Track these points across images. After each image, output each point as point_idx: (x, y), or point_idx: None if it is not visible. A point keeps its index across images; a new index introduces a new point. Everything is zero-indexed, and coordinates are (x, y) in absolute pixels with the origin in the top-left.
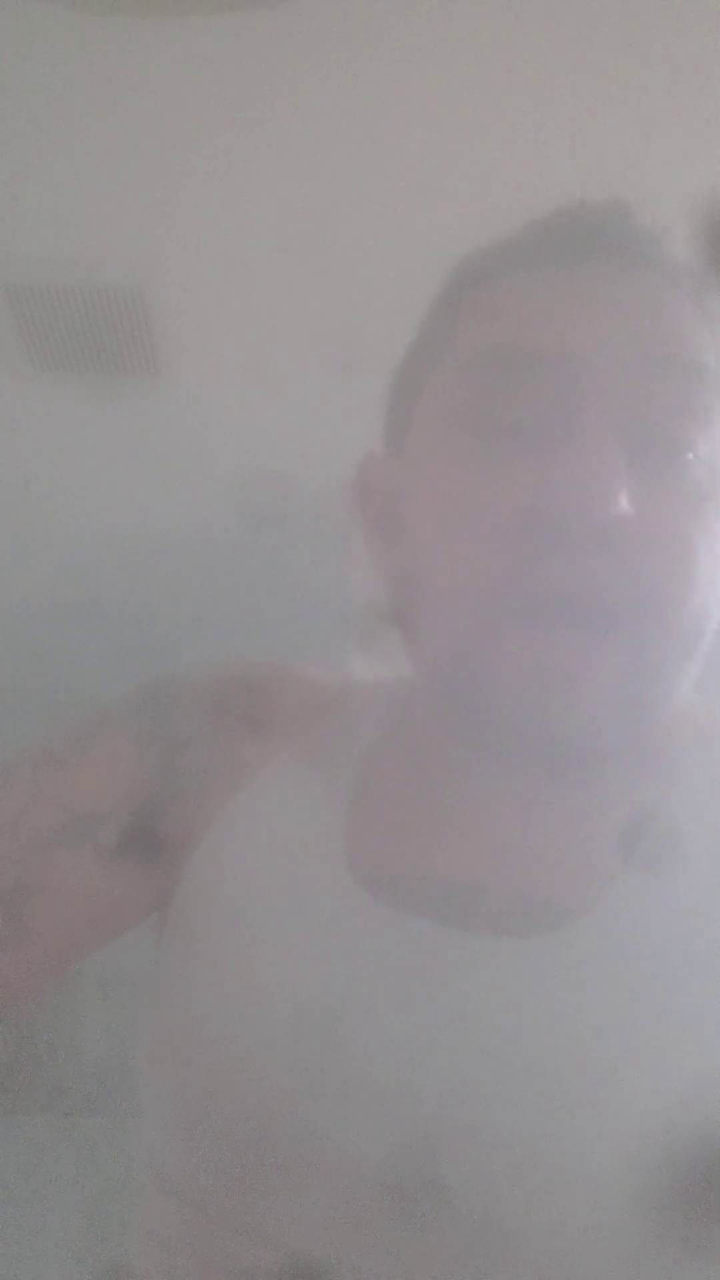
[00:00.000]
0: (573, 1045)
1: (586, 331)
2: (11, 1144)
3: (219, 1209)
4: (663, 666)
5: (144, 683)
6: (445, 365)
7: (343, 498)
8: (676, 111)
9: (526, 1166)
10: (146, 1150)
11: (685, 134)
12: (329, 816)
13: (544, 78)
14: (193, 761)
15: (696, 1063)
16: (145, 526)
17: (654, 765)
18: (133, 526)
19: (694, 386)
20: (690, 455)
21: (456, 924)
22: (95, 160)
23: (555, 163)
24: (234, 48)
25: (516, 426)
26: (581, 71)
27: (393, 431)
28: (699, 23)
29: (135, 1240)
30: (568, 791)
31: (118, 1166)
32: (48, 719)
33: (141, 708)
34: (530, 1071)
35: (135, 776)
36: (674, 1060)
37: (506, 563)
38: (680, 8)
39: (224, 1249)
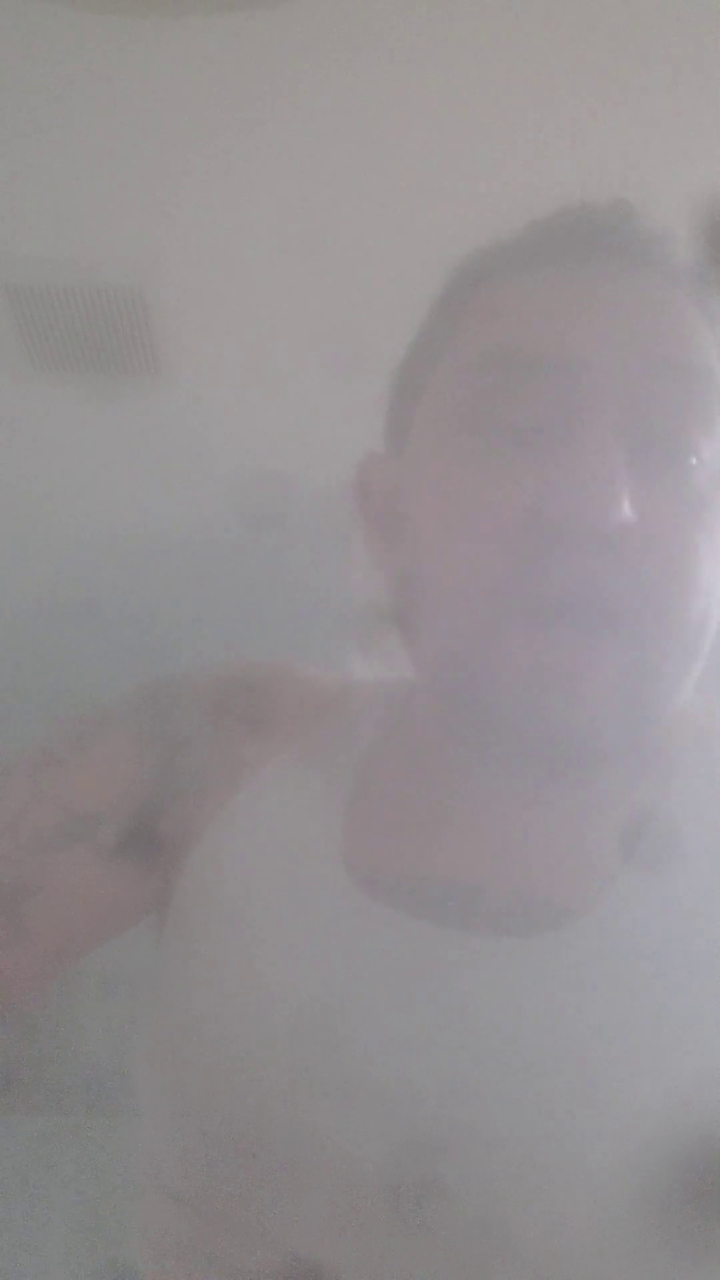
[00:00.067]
0: (572, 1045)
1: (589, 334)
2: (11, 1144)
3: (218, 1211)
4: (663, 668)
5: (144, 683)
6: (447, 366)
7: (343, 498)
8: (676, 111)
9: (526, 1166)
10: (145, 1153)
11: (685, 134)
12: (328, 817)
13: (544, 78)
14: (192, 761)
15: (696, 1063)
16: (145, 526)
17: (654, 765)
18: (133, 526)
19: (696, 390)
20: (693, 459)
21: (455, 924)
22: (95, 160)
23: (555, 163)
24: (234, 48)
25: (518, 428)
26: (581, 71)
27: (393, 432)
28: (699, 23)
29: (135, 1243)
30: (567, 792)
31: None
32: (48, 719)
33: (141, 707)
34: (530, 1072)
35: (135, 776)
36: (674, 1060)
37: (507, 564)
38: (680, 8)
39: (223, 1250)
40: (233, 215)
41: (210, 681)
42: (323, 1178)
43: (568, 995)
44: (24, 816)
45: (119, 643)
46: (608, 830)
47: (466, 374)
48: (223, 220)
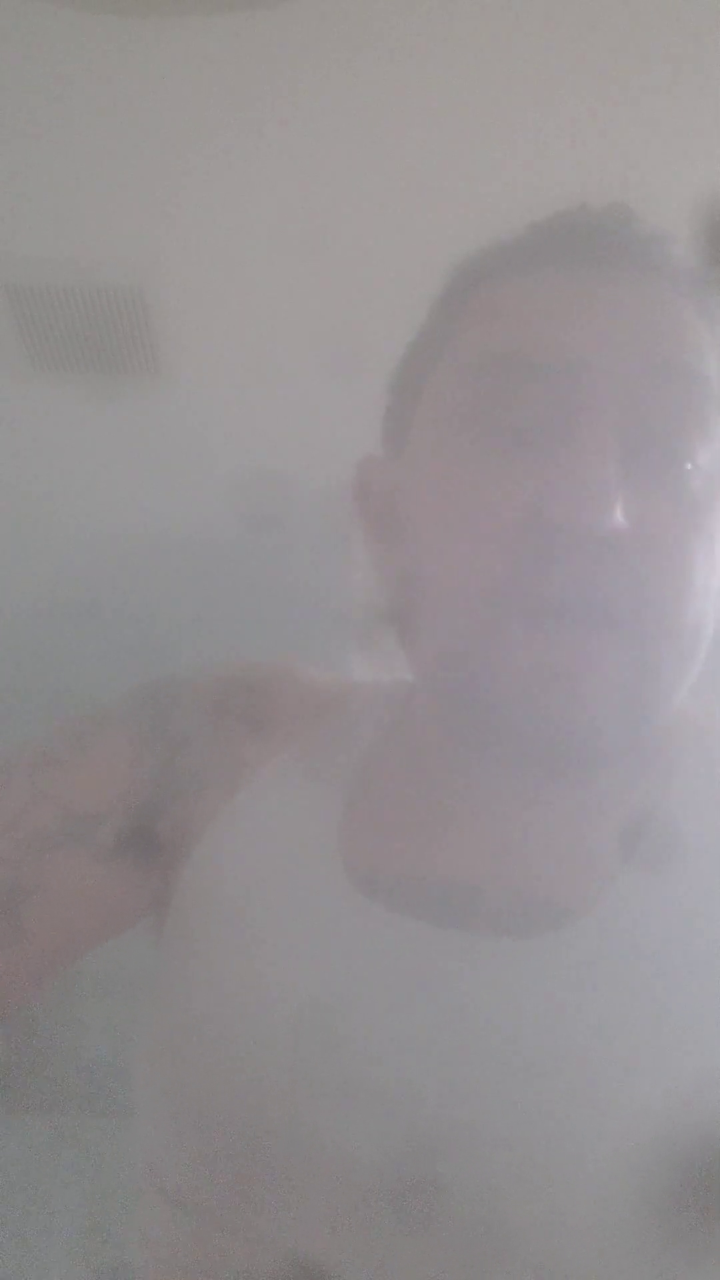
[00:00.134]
0: (572, 1045)
1: (587, 337)
2: (11, 1144)
3: (217, 1213)
4: (661, 668)
5: (143, 683)
6: (446, 367)
7: (342, 498)
8: (676, 111)
9: (526, 1167)
10: (143, 1156)
11: (685, 134)
12: (327, 817)
13: (544, 78)
14: (191, 761)
15: (696, 1063)
16: (145, 526)
17: (653, 766)
18: (133, 526)
19: (693, 395)
20: (689, 464)
21: (455, 925)
22: (95, 160)
23: (555, 163)
24: (234, 48)
25: (516, 430)
26: (581, 71)
27: (392, 433)
28: (699, 23)
29: (134, 1245)
30: (567, 792)
31: (118, 1167)
32: (48, 719)
33: (140, 708)
34: (529, 1072)
35: (134, 776)
36: (674, 1060)
37: (505, 564)
38: (680, 8)
39: (223, 1252)
40: (233, 215)
41: (209, 682)
42: (322, 1178)
43: (567, 995)
44: (23, 816)
45: (119, 643)
46: (607, 830)
47: (465, 376)
48: (223, 220)
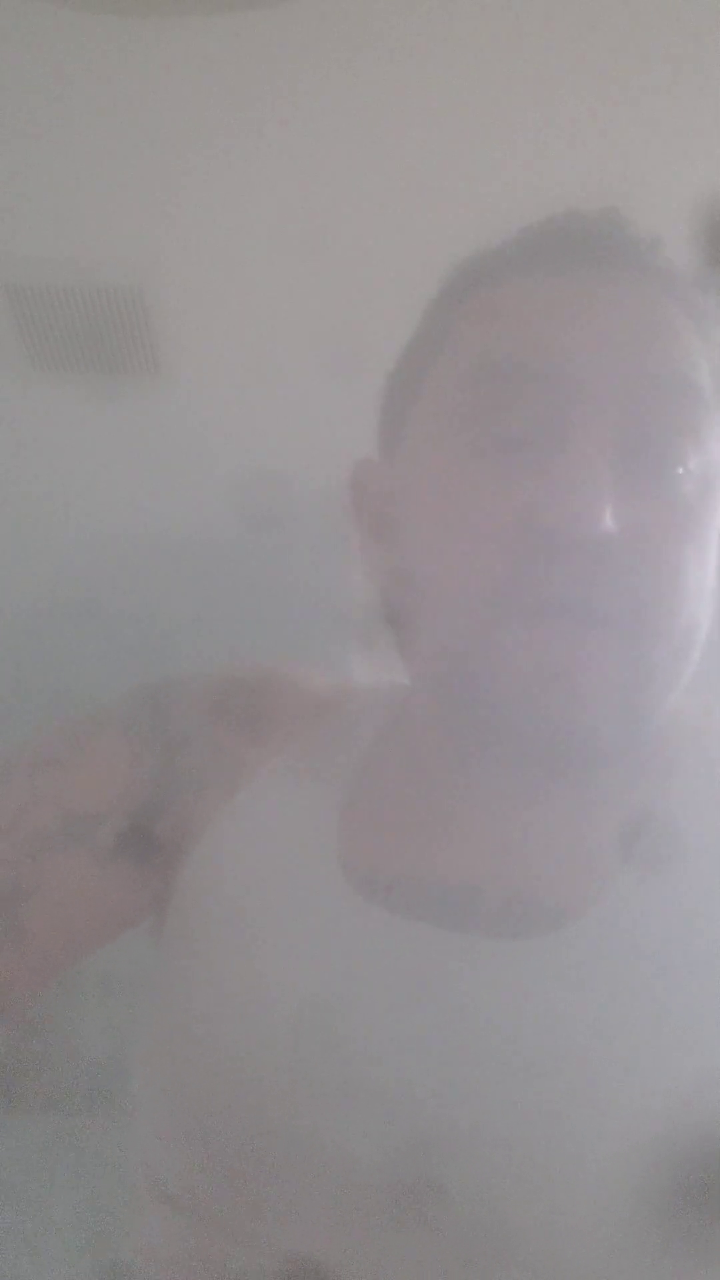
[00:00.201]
0: (571, 1046)
1: (580, 343)
2: (11, 1144)
3: (216, 1215)
4: (655, 669)
5: (141, 684)
6: (439, 374)
7: (339, 500)
8: (676, 111)
9: (525, 1167)
10: (142, 1159)
11: (685, 134)
12: (324, 819)
13: (544, 78)
14: (190, 763)
15: (695, 1062)
16: (145, 526)
17: (651, 766)
18: (133, 526)
19: (685, 401)
20: (680, 469)
21: (453, 926)
22: (95, 160)
23: (555, 163)
24: (234, 48)
25: (510, 436)
26: (581, 71)
27: (387, 437)
28: (699, 23)
29: (132, 1248)
30: (564, 792)
31: (118, 1167)
32: (48, 719)
33: (138, 709)
34: (529, 1073)
35: (132, 777)
36: (673, 1060)
37: (500, 567)
38: (680, 8)
39: (222, 1254)
40: (233, 215)
41: (208, 683)
42: (321, 1178)
43: (566, 996)
44: (22, 817)
45: (119, 643)
46: (605, 831)
47: (459, 381)
48: (223, 220)
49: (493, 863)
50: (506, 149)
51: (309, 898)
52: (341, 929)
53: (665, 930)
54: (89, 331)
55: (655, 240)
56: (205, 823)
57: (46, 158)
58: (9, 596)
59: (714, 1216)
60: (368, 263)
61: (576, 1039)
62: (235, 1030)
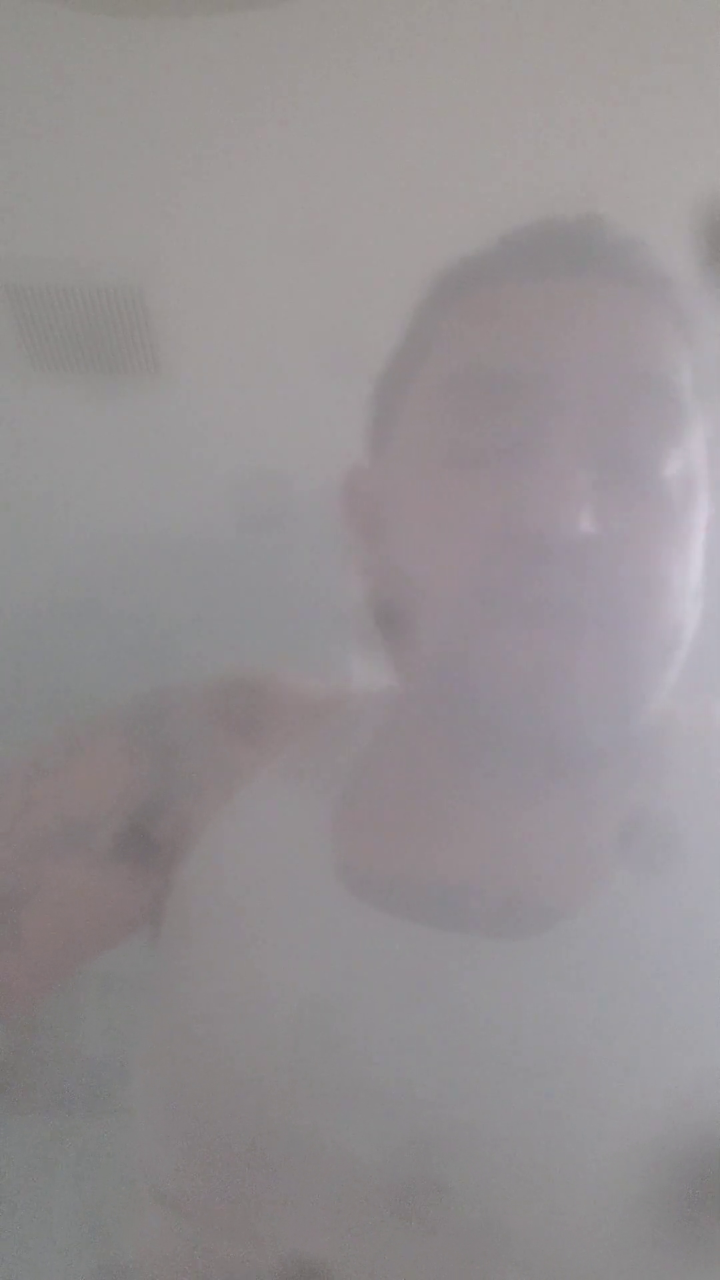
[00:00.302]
0: (569, 1045)
1: (559, 350)
2: (11, 1144)
3: (216, 1215)
4: (640, 669)
5: (137, 690)
6: (422, 381)
7: (331, 503)
8: (676, 111)
9: (525, 1167)
10: (141, 1159)
11: (685, 134)
12: (320, 822)
13: (544, 78)
14: (186, 767)
15: (694, 1062)
16: (145, 526)
17: (646, 767)
18: (133, 526)
19: (665, 406)
20: (661, 471)
21: (449, 926)
22: (95, 160)
23: (555, 163)
24: (234, 48)
25: (488, 444)
26: (581, 71)
27: (375, 442)
28: (699, 23)
29: (132, 1249)
30: (559, 793)
31: (118, 1167)
32: (48, 719)
33: (136, 714)
34: (528, 1072)
35: (130, 782)
36: (672, 1060)
37: (482, 573)
38: (680, 8)
39: (222, 1254)
40: (233, 215)
41: (204, 688)
42: (320, 1178)
43: (563, 995)
44: (20, 823)
45: (119, 643)
46: (601, 831)
47: (438, 390)
48: (223, 220)
49: (488, 863)
50: (506, 149)
51: (305, 899)
52: (338, 930)
53: (662, 929)
54: (89, 331)
55: (636, 243)
56: (201, 827)
57: (46, 158)
58: (9, 596)
59: (714, 1216)
60: (368, 263)
61: (575, 1038)
62: (234, 1031)
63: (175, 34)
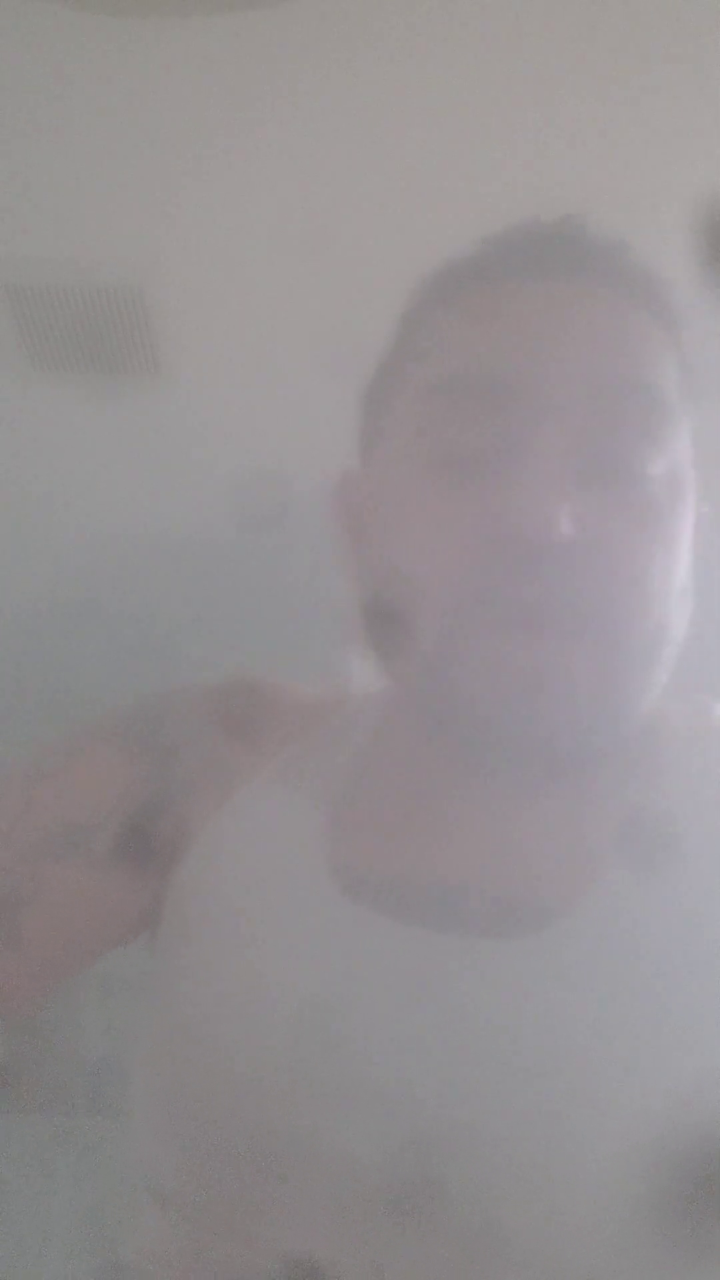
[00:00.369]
0: (567, 1045)
1: (538, 355)
2: (11, 1144)
3: (215, 1216)
4: (627, 671)
5: (136, 696)
6: (406, 388)
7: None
8: (676, 111)
9: (524, 1167)
10: (140, 1161)
11: (685, 134)
12: (312, 824)
13: (544, 78)
14: (181, 772)
15: (694, 1062)
16: (145, 527)
17: (641, 766)
18: (133, 526)
19: (647, 408)
20: (643, 473)
21: (442, 928)
22: (95, 160)
23: (555, 163)
24: (234, 48)
25: (469, 450)
26: (581, 71)
27: (364, 448)
28: (699, 23)
29: (132, 1248)
30: (553, 794)
31: (118, 1167)
32: (48, 719)
33: (133, 719)
34: (527, 1072)
35: (128, 786)
36: (671, 1060)
37: (465, 578)
38: (680, 8)
39: (221, 1254)
40: (233, 215)
41: (201, 691)
42: (319, 1179)
43: (560, 995)
44: (19, 827)
45: (119, 643)
46: (597, 831)
47: (419, 396)
48: (223, 220)
49: (481, 864)
50: (506, 149)
51: (299, 901)
52: (335, 930)
53: (660, 928)
54: (89, 331)
55: (618, 244)
56: (197, 831)
57: (46, 158)
58: (9, 596)
59: (714, 1216)
60: (367, 263)
61: (574, 1038)
62: (232, 1032)
63: (175, 34)
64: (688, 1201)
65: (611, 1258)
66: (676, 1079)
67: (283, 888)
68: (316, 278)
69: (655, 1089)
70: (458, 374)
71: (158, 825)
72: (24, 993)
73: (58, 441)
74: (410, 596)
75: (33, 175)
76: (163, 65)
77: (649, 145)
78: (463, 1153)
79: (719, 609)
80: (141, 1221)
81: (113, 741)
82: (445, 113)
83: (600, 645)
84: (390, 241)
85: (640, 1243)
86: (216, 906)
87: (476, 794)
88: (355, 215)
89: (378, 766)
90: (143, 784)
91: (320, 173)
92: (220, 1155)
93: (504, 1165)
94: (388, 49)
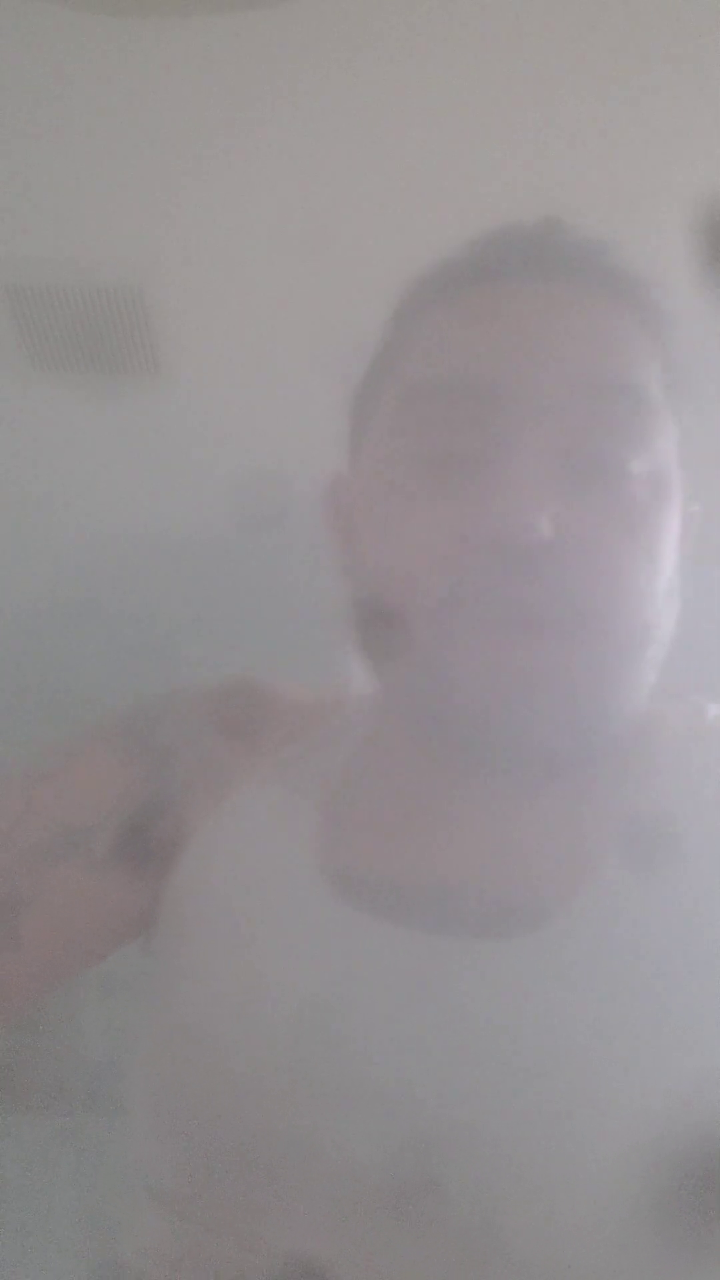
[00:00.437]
0: (565, 1045)
1: (519, 358)
2: (11, 1144)
3: (215, 1216)
4: (611, 671)
5: (132, 699)
6: (390, 392)
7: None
8: (676, 111)
9: (523, 1166)
10: (139, 1161)
11: (685, 134)
12: (305, 826)
13: (544, 77)
14: (177, 774)
15: (692, 1062)
16: (145, 526)
17: (636, 767)
18: (133, 526)
19: (630, 409)
20: (624, 473)
21: (435, 929)
22: (95, 160)
23: (555, 163)
24: (234, 48)
25: (450, 453)
26: (581, 71)
27: (353, 451)
28: (699, 23)
29: (131, 1248)
30: (547, 794)
31: (118, 1167)
32: (48, 719)
33: (129, 722)
34: (526, 1073)
35: (126, 787)
36: (669, 1059)
37: (447, 580)
38: (680, 8)
39: (221, 1254)
40: (233, 215)
41: (198, 693)
42: (318, 1180)
43: (558, 995)
44: (18, 829)
45: (119, 643)
46: (592, 831)
47: (402, 399)
48: (223, 220)
49: (478, 864)
50: (506, 149)
51: (296, 901)
52: (329, 931)
53: (658, 928)
54: (89, 331)
55: (601, 245)
56: (193, 832)
57: (46, 158)
58: (9, 596)
59: (714, 1216)
60: (367, 263)
61: (572, 1038)
62: (230, 1032)
63: (175, 34)
64: (688, 1201)
65: (611, 1258)
66: (676, 1079)
67: (280, 888)
68: (316, 278)
69: (655, 1089)
70: (441, 376)
71: (156, 826)
72: (23, 994)
73: (58, 441)
74: (397, 598)
75: (33, 175)
76: (163, 65)
77: (649, 145)
78: (462, 1153)
79: (714, 609)
80: (141, 1221)
81: (111, 743)
82: (445, 113)
83: (586, 645)
84: (390, 241)
85: (640, 1243)
86: (213, 907)
87: (472, 794)
88: (355, 215)
89: (374, 767)
90: (141, 785)
91: (320, 173)
92: (219, 1155)
93: (503, 1165)
94: (388, 49)
